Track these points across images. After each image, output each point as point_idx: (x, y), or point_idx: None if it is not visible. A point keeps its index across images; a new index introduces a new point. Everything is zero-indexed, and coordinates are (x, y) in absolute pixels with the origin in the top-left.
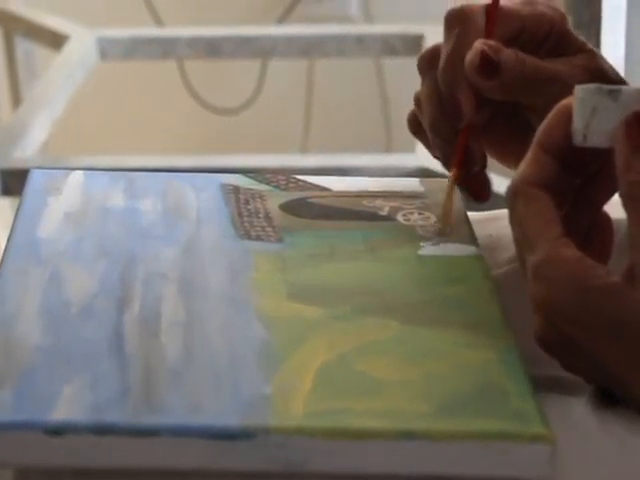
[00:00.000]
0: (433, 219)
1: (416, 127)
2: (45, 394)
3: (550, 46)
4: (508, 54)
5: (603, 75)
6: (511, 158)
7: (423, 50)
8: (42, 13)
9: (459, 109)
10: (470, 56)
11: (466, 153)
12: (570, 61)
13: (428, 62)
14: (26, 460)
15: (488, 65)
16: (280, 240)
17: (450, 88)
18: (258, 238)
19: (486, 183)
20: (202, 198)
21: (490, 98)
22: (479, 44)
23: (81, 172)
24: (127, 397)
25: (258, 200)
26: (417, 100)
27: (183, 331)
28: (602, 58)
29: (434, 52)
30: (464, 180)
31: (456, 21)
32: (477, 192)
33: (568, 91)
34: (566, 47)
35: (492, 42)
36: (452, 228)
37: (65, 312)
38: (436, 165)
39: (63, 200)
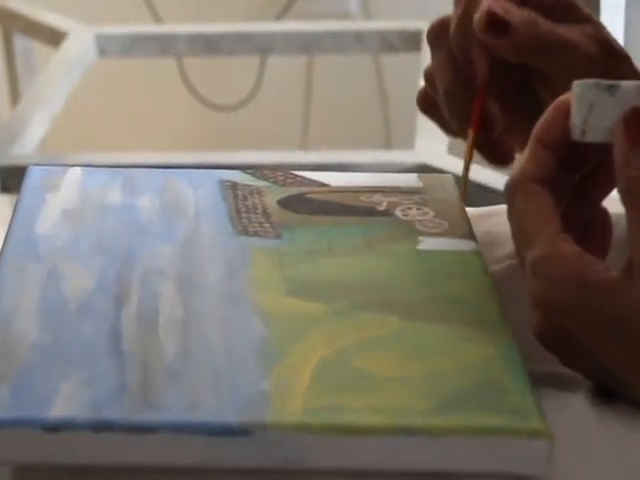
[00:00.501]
0: (431, 214)
1: (426, 105)
2: (43, 391)
3: (557, 14)
4: (519, 13)
5: (610, 46)
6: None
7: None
8: (40, 10)
9: (473, 70)
10: (478, 15)
11: (484, 114)
12: (580, 29)
13: (437, 33)
14: (24, 457)
15: (496, 23)
16: (278, 236)
17: (463, 50)
18: (256, 234)
19: (506, 144)
20: (200, 194)
21: (502, 64)
22: (487, 2)
23: (79, 169)
24: (125, 394)
25: (256, 196)
26: (427, 75)
27: (181, 328)
28: (607, 29)
29: (442, 23)
30: (483, 144)
31: None
32: (497, 154)
33: (580, 58)
34: (573, 16)
35: (501, 0)
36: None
37: (63, 309)
38: (435, 161)
39: (61, 197)
